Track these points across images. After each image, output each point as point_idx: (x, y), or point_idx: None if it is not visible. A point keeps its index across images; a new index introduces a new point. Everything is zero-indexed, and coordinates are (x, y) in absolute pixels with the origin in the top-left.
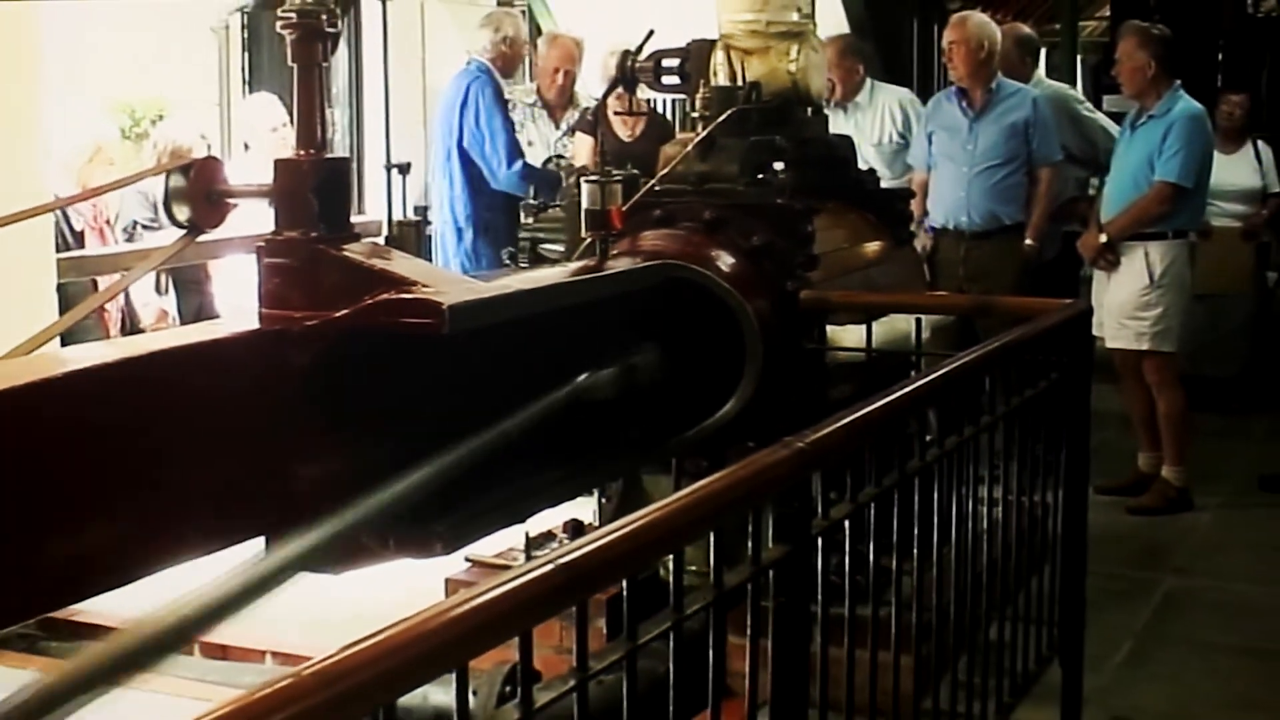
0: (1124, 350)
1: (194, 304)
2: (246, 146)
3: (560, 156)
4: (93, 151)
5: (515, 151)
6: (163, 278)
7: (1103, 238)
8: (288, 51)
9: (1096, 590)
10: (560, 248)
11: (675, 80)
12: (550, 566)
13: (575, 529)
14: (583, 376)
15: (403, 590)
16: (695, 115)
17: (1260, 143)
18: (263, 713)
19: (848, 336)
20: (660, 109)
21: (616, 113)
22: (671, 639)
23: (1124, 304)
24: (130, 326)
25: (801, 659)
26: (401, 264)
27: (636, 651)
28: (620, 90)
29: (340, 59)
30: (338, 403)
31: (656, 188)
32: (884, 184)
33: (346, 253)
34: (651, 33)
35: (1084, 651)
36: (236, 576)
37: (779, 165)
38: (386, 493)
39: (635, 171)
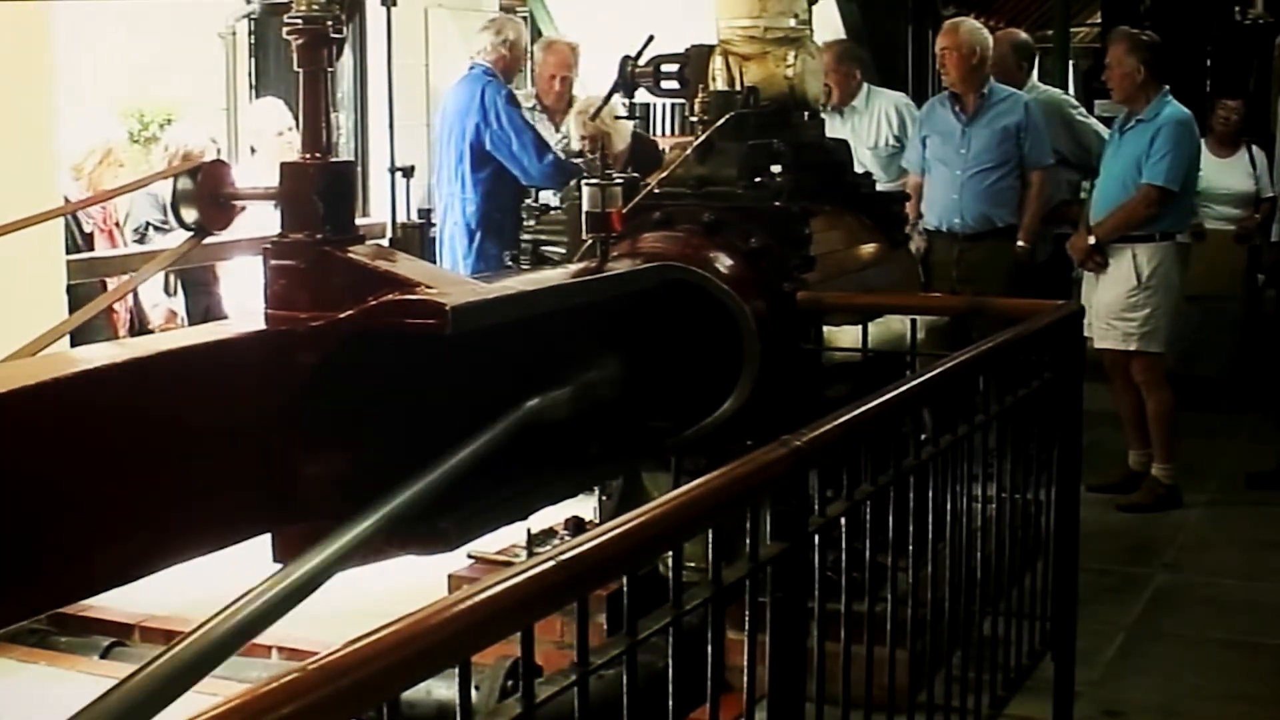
0: (1112, 350)
1: (202, 305)
2: (253, 150)
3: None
4: (103, 154)
5: (543, 145)
6: (171, 279)
7: (1091, 240)
8: (294, 57)
9: (1088, 586)
10: (561, 249)
11: (674, 85)
12: (551, 563)
13: (576, 526)
14: (534, 401)
15: (406, 586)
16: (694, 119)
17: (1255, 148)
18: (269, 707)
19: (844, 337)
20: (660, 113)
21: (619, 117)
22: (671, 634)
23: (1112, 305)
24: (139, 327)
25: (799, 654)
26: (405, 265)
27: (636, 646)
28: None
29: (345, 64)
30: (343, 402)
31: (656, 190)
32: (880, 187)
33: (351, 255)
34: (651, 38)
35: (1076, 646)
36: (280, 580)
37: (776, 169)
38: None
39: (635, 174)
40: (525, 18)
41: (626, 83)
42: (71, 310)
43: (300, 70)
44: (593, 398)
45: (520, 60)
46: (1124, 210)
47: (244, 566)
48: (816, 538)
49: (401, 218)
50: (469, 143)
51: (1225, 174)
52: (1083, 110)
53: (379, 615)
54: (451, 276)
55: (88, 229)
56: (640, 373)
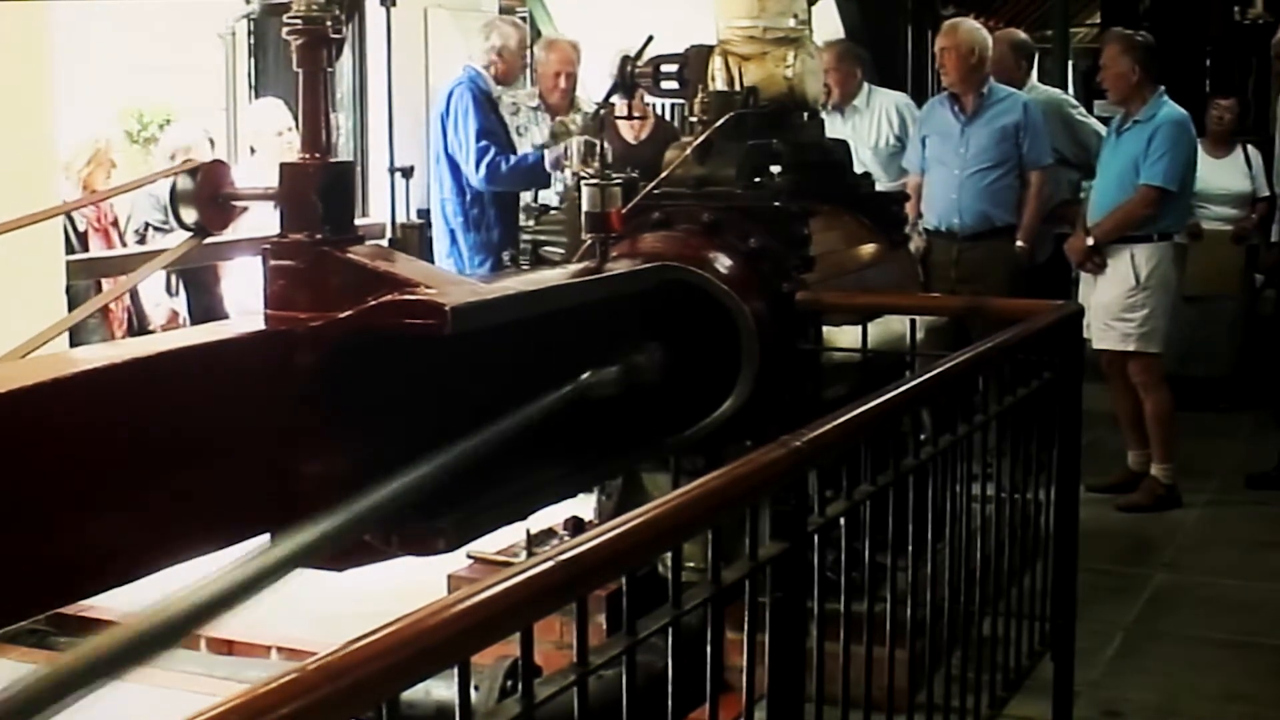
0: (1110, 351)
1: (204, 305)
2: (253, 151)
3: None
4: (91, 154)
5: (483, 158)
6: (173, 279)
7: (1089, 240)
8: (293, 57)
9: (1087, 586)
10: (561, 250)
11: (674, 85)
12: (551, 563)
13: (576, 526)
14: (586, 375)
15: (406, 586)
16: (693, 120)
17: (1250, 147)
18: (268, 707)
19: (843, 337)
20: (659, 114)
21: (620, 117)
22: (670, 634)
23: (1110, 305)
24: (138, 327)
25: (798, 654)
26: (404, 266)
27: (636, 647)
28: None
29: (345, 64)
30: (342, 402)
31: (655, 191)
32: (881, 187)
33: (351, 255)
34: (651, 39)
35: (1075, 646)
36: (235, 570)
37: (776, 169)
38: (386, 489)
39: (635, 174)
40: (524, 18)
41: (626, 83)
42: (71, 311)
43: (300, 70)
44: (639, 379)
45: (516, 63)
46: (1122, 211)
47: None
48: (816, 538)
49: (401, 218)
50: (441, 145)
51: (1221, 174)
52: (1082, 110)
53: (379, 615)
54: (451, 276)
55: (82, 228)
56: (640, 373)
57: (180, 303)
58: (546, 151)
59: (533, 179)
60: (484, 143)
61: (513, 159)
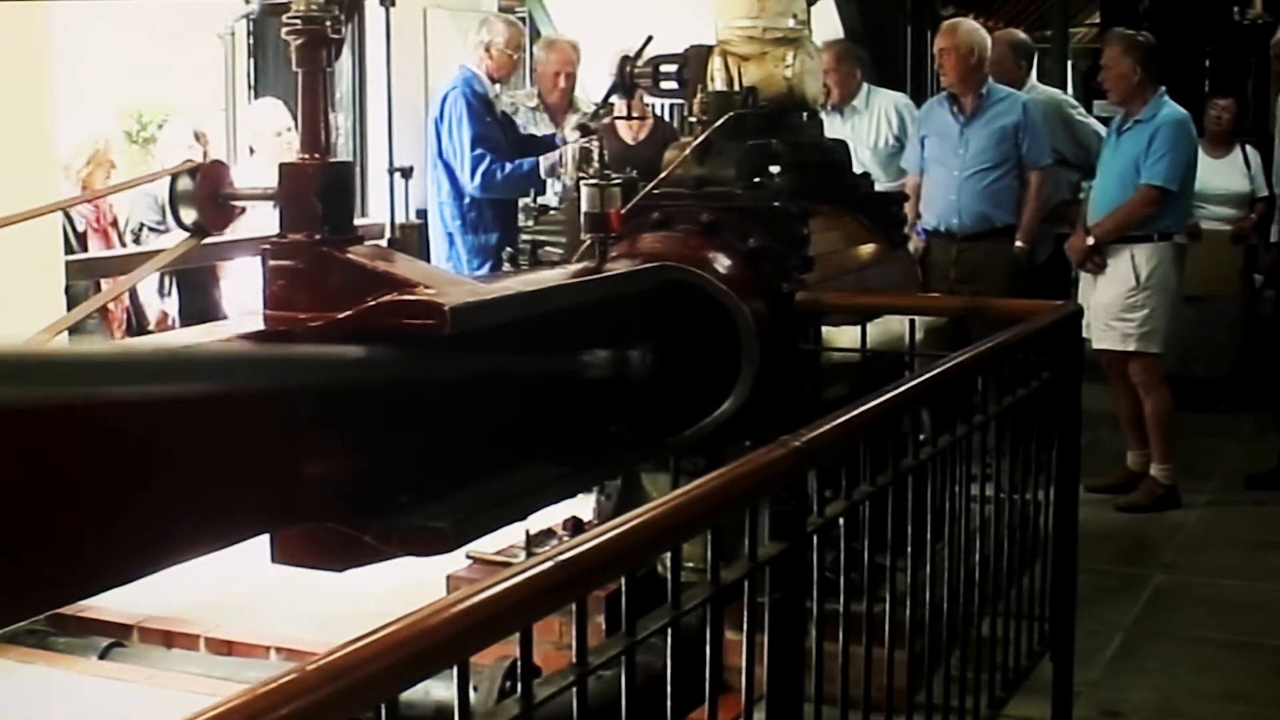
0: (1110, 351)
1: (199, 306)
2: (252, 151)
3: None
4: (91, 154)
5: (478, 167)
6: (167, 280)
7: (1089, 240)
8: (293, 57)
9: (1087, 586)
10: (560, 250)
11: (673, 85)
12: (550, 563)
13: (575, 526)
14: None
15: (405, 586)
16: (693, 120)
17: (1249, 148)
18: (268, 708)
19: (843, 337)
20: (658, 114)
21: (619, 117)
22: (669, 634)
23: (1110, 305)
24: (137, 327)
25: (797, 654)
26: (404, 266)
27: (635, 647)
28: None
29: (344, 64)
30: (341, 402)
31: (655, 191)
32: (881, 187)
33: (350, 255)
34: (650, 39)
35: (1074, 646)
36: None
37: (775, 169)
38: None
39: (634, 175)
40: (523, 18)
41: (625, 83)
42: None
43: (299, 71)
44: (630, 368)
45: (509, 61)
46: (1123, 211)
47: (244, 566)
48: (815, 538)
49: (400, 218)
50: (436, 149)
51: (1220, 174)
52: (1082, 110)
53: (378, 615)
54: (451, 277)
55: (80, 228)
56: (640, 372)
57: (171, 304)
58: (541, 159)
59: (528, 186)
60: (479, 151)
61: (508, 167)
